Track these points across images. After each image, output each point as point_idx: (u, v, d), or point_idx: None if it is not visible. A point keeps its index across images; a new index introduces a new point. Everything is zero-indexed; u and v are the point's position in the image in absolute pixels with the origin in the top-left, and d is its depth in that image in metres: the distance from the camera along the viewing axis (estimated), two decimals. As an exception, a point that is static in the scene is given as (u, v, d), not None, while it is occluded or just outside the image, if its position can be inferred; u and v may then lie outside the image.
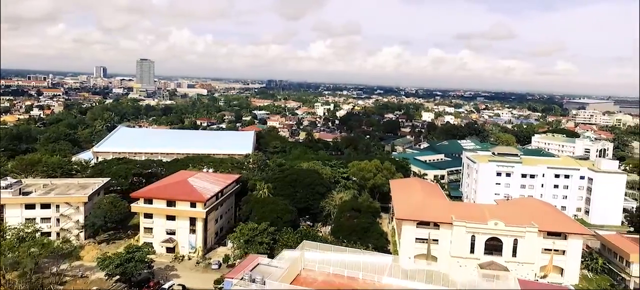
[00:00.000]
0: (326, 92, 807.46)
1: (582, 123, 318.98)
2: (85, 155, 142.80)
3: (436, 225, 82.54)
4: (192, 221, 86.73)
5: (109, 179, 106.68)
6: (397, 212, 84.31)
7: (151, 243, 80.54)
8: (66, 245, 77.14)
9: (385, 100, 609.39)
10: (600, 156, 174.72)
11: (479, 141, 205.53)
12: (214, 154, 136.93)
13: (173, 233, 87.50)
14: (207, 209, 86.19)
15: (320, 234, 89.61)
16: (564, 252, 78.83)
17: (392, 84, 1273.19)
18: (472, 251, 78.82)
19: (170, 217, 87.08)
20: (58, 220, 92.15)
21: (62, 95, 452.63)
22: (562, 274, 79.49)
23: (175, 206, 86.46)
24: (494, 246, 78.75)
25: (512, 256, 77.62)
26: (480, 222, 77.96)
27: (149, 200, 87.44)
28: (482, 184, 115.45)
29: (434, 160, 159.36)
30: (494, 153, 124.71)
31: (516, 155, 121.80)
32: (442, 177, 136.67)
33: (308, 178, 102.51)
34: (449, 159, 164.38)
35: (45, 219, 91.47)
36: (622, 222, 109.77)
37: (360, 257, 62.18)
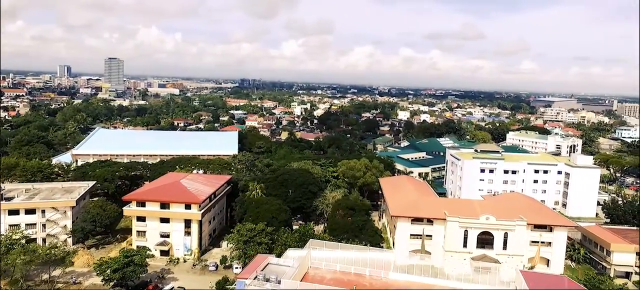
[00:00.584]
0: (300, 92, 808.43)
1: (550, 120, 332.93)
2: (63, 158, 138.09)
3: (429, 221, 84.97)
4: (187, 223, 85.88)
5: (95, 182, 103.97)
6: (392, 209, 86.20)
7: (144, 246, 78.89)
8: (57, 251, 74.91)
9: (361, 99, 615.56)
10: (570, 152, 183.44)
11: (457, 139, 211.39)
12: (199, 155, 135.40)
13: (167, 236, 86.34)
14: (203, 211, 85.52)
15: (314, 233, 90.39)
16: (549, 243, 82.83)
17: (364, 83, 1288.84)
18: (464, 245, 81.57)
19: (164, 220, 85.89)
20: (44, 226, 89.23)
21: (26, 96, 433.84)
22: (548, 264, 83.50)
23: (169, 208, 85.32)
24: (485, 240, 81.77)
25: (502, 249, 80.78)
26: (473, 217, 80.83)
27: (141, 203, 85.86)
28: (467, 180, 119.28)
29: (416, 158, 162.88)
30: (476, 150, 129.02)
31: (498, 152, 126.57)
32: (426, 174, 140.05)
33: (300, 178, 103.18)
34: (431, 157, 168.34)
35: (30, 225, 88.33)
36: (597, 214, 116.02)
37: (364, 254, 63.68)
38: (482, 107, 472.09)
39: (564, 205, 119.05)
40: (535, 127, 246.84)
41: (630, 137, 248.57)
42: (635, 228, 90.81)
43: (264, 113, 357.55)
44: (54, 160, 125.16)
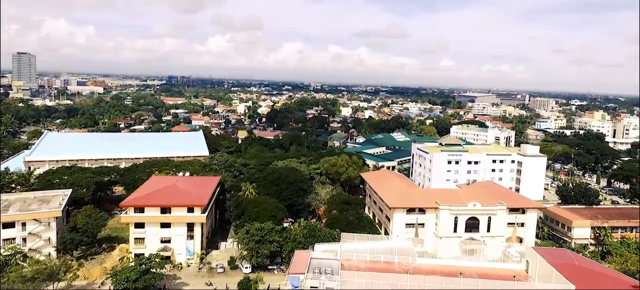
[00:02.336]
0: (234, 89, 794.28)
1: (479, 114, 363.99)
2: (9, 165, 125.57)
3: (421, 210, 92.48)
4: (189, 227, 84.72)
5: (71, 190, 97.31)
6: (389, 201, 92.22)
7: (157, 253, 76.84)
8: (60, 264, 70.40)
9: (298, 96, 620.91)
10: (506, 143, 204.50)
11: (407, 133, 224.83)
12: (171, 157, 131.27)
13: (168, 241, 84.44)
14: (206, 213, 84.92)
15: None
16: (522, 224, 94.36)
17: (295, 79, 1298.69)
18: (455, 230, 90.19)
19: (165, 225, 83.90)
20: (24, 240, 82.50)
21: None
22: (521, 242, 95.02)
23: (170, 213, 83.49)
24: (472, 224, 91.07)
25: (487, 231, 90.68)
26: (461, 205, 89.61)
27: (140, 209, 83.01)
28: (436, 172, 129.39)
29: (379, 152, 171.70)
30: (441, 144, 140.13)
31: (460, 144, 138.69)
32: (394, 167, 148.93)
33: (290, 176, 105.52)
34: (390, 151, 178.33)
35: (8, 240, 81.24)
36: (544, 197, 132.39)
37: (387, 244, 68.71)
38: (415, 103, 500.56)
39: (517, 190, 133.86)
40: (474, 121, 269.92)
41: (547, 128, 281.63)
42: (584, 206, 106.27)
43: (208, 112, 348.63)
44: (15, 168, 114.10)
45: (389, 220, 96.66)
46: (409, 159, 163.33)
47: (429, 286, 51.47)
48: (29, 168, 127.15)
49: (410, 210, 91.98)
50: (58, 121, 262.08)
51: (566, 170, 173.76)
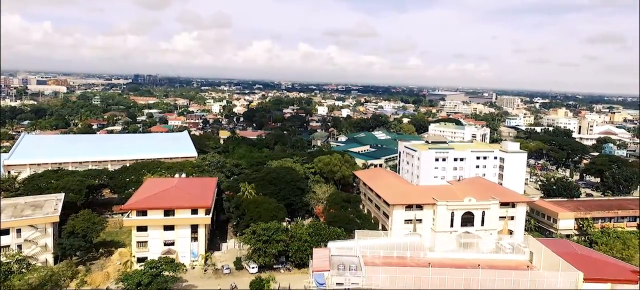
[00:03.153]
0: (204, 88, 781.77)
1: (451, 113, 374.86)
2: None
3: (418, 206, 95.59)
4: (193, 229, 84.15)
5: (63, 194, 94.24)
6: (389, 199, 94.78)
7: (166, 256, 75.93)
8: (67, 271, 68.66)
9: (271, 95, 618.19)
10: (482, 139, 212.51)
11: (388, 131, 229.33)
12: (159, 159, 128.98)
13: (172, 243, 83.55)
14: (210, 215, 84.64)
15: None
16: (512, 217, 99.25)
17: (264, 78, 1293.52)
18: (451, 225, 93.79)
19: (168, 228, 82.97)
20: (20, 247, 79.56)
21: None
22: (511, 234, 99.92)
23: (174, 215, 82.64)
24: (467, 219, 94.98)
25: (481, 225, 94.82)
26: (458, 200, 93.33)
27: (142, 212, 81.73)
28: (424, 169, 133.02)
29: (363, 151, 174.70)
30: (427, 142, 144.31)
31: (445, 142, 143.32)
32: (381, 165, 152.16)
33: (287, 175, 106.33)
34: (374, 149, 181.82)
35: (4, 248, 78.10)
36: (524, 191, 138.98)
37: (397, 240, 71.09)
38: (387, 101, 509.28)
39: (500, 184, 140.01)
40: (451, 119, 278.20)
41: (518, 125, 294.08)
42: (566, 200, 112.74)
43: (183, 112, 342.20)
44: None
45: (386, 216, 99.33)
46: (395, 157, 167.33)
47: (450, 278, 54.02)
48: (9, 172, 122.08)
49: (408, 207, 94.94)
50: (26, 122, 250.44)
51: (540, 165, 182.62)
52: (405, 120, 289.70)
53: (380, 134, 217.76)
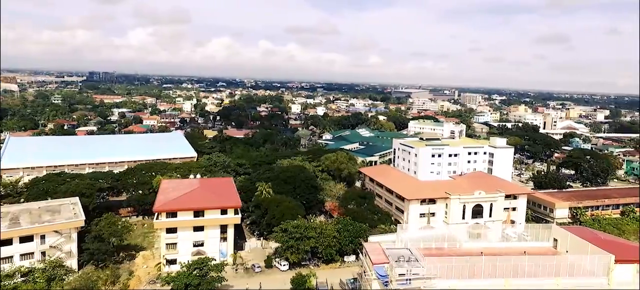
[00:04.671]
0: (166, 86, 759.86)
1: (422, 110, 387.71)
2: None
3: (431, 200, 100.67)
4: (222, 229, 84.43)
5: (77, 198, 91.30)
6: (404, 193, 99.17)
7: (207, 257, 75.78)
8: (111, 275, 67.46)
9: (238, 92, 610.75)
10: (459, 136, 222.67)
11: (371, 129, 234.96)
12: (161, 159, 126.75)
13: (201, 244, 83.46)
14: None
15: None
16: (514, 208, 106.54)
17: (224, 75, 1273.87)
18: (463, 217, 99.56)
19: (198, 228, 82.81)
20: (43, 253, 76.85)
21: None
22: (513, 224, 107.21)
23: (203, 216, 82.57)
24: (476, 211, 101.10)
25: (489, 217, 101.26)
26: (469, 194, 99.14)
27: (172, 214, 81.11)
28: (421, 165, 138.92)
29: (354, 148, 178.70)
30: (421, 139, 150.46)
31: (438, 139, 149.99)
32: (376, 162, 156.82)
33: (301, 174, 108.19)
34: (363, 147, 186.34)
35: (26, 255, 75.32)
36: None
37: (435, 231, 75.34)
38: (356, 99, 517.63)
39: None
40: (429, 116, 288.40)
41: (487, 122, 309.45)
42: (556, 191, 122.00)
43: (155, 111, 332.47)
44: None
45: (399, 211, 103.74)
46: (385, 154, 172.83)
47: (500, 265, 58.64)
48: (0, 177, 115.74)
49: (423, 201, 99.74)
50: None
51: (516, 159, 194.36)
52: (381, 117, 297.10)
53: (363, 132, 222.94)
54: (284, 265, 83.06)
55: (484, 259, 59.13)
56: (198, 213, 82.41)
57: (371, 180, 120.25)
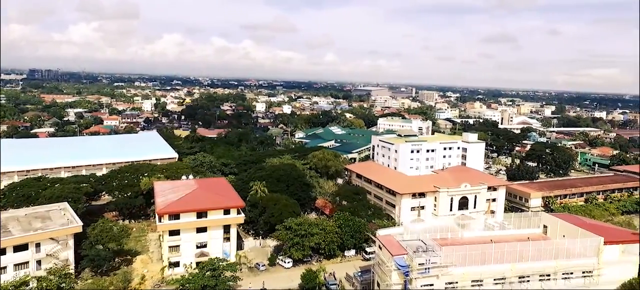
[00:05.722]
0: (117, 84, 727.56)
1: (385, 107, 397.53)
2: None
3: (421, 194, 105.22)
4: (225, 229, 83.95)
5: (66, 203, 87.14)
6: (396, 188, 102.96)
7: (219, 257, 75.04)
8: (122, 279, 65.48)
9: (196, 91, 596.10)
10: (427, 132, 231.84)
11: (342, 127, 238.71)
12: (142, 161, 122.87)
13: (204, 245, 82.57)
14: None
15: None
16: (494, 199, 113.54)
17: (176, 73, 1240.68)
18: (451, 209, 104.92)
19: (201, 230, 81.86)
20: (39, 262, 73.12)
21: None
22: (493, 214, 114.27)
23: (206, 217, 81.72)
24: (462, 203, 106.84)
25: (473, 208, 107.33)
26: (456, 187, 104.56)
27: (175, 216, 79.64)
28: (402, 161, 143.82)
29: (331, 145, 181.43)
30: (400, 135, 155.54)
31: (415, 135, 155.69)
32: (355, 159, 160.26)
33: (293, 172, 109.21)
34: (339, 144, 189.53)
35: (20, 265, 71.39)
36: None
37: (437, 223, 79.20)
38: (317, 97, 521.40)
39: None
40: (396, 113, 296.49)
41: (448, 118, 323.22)
42: (528, 182, 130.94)
43: (114, 111, 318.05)
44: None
45: (390, 205, 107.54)
46: (361, 150, 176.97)
47: (508, 251, 63.28)
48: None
49: (413, 195, 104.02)
50: None
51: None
52: (348, 115, 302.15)
53: (336, 129, 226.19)
54: (288, 262, 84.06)
55: (493, 247, 63.50)
56: (201, 214, 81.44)
57: (358, 176, 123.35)
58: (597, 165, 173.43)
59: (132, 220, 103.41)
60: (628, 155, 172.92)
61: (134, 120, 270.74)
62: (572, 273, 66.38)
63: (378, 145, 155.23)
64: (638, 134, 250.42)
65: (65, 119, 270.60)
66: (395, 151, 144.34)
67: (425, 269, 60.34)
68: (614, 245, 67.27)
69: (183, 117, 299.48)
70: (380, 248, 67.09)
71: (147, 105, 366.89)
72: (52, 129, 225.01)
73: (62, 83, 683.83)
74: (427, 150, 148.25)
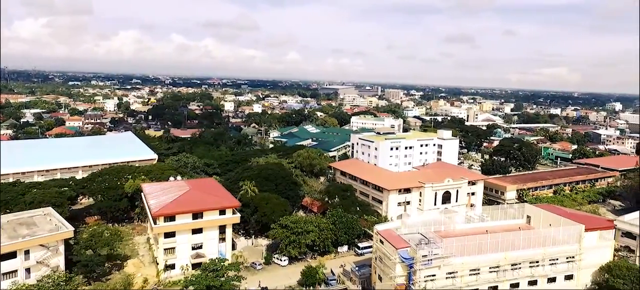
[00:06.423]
0: (73, 83, 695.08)
1: (354, 106, 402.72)
2: None
3: (407, 190, 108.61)
4: (220, 229, 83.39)
5: (50, 208, 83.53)
6: (384, 184, 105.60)
7: (220, 258, 74.37)
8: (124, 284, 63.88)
9: (159, 90, 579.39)
10: (399, 130, 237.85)
11: (316, 125, 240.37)
12: (121, 163, 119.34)
13: (200, 247, 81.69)
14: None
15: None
16: (473, 193, 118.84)
17: (133, 71, 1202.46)
18: (435, 204, 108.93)
19: (196, 231, 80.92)
20: (28, 270, 69.97)
21: None
22: (473, 207, 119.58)
23: (202, 217, 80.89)
24: (446, 197, 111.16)
25: (456, 202, 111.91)
26: (440, 182, 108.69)
27: (170, 218, 78.32)
28: (382, 158, 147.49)
29: (308, 144, 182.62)
30: (379, 133, 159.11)
31: (393, 133, 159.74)
32: (334, 157, 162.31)
33: (281, 171, 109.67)
34: (316, 143, 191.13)
35: (8, 274, 68.06)
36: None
37: (432, 216, 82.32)
38: (284, 95, 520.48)
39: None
40: (368, 111, 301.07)
41: (415, 115, 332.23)
42: (502, 176, 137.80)
43: (75, 111, 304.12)
44: None
45: (377, 201, 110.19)
46: (339, 148, 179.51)
47: (502, 240, 67.12)
48: None
49: (399, 191, 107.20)
50: None
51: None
52: (320, 114, 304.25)
53: (311, 128, 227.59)
54: (284, 260, 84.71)
55: (489, 237, 67.17)
56: (196, 215, 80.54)
57: (343, 174, 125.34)
58: (559, 159, 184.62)
59: (116, 224, 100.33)
60: (588, 149, 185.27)
61: (99, 121, 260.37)
62: (557, 259, 71.25)
63: (357, 143, 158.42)
64: (592, 129, 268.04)
65: (23, 120, 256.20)
66: (376, 149, 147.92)
67: (428, 260, 63.01)
68: (592, 231, 72.79)
69: (150, 117, 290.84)
70: (382, 242, 69.20)
71: (110, 105, 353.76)
72: (10, 131, 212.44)
73: (10, 82, 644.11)
74: (406, 147, 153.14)
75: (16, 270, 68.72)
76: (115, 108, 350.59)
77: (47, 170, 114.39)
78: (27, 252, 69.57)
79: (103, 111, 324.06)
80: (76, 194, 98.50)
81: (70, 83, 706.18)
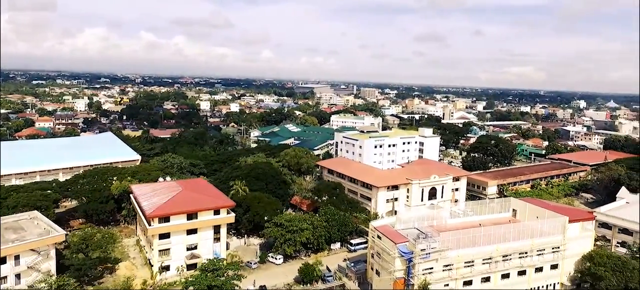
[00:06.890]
0: (36, 82, 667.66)
1: (332, 105, 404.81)
2: None
3: (395, 187, 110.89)
4: (215, 230, 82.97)
5: (36, 212, 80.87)
6: (373, 182, 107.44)
7: (218, 258, 73.92)
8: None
9: (130, 89, 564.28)
10: (379, 128, 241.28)
11: (296, 124, 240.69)
12: (108, 164, 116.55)
13: (194, 247, 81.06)
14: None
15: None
16: (457, 189, 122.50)
17: (99, 70, 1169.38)
18: (422, 200, 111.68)
19: (191, 231, 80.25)
20: (18, 276, 67.79)
21: None
22: (456, 202, 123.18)
23: (197, 218, 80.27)
24: (432, 193, 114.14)
25: (441, 198, 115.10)
26: (427, 178, 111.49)
27: (164, 219, 77.35)
28: (366, 156, 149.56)
29: (290, 143, 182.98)
30: (362, 131, 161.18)
31: (376, 131, 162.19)
32: (318, 155, 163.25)
33: (271, 170, 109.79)
34: (299, 142, 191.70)
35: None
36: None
37: (424, 212, 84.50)
38: (260, 94, 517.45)
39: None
40: (348, 110, 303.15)
41: (393, 114, 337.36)
42: (482, 172, 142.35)
43: (43, 111, 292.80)
44: None
45: (366, 198, 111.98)
46: (322, 146, 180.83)
47: (494, 233, 69.92)
48: None
49: (388, 188, 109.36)
50: None
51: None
52: (298, 112, 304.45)
53: (291, 127, 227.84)
54: (279, 259, 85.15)
55: (482, 230, 69.82)
56: (191, 216, 79.87)
57: (330, 172, 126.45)
58: (533, 155, 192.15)
59: (102, 226, 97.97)
60: (559, 145, 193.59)
61: (70, 121, 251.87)
62: (544, 250, 74.77)
63: (342, 142, 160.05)
64: (561, 125, 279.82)
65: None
66: (360, 147, 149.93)
67: (427, 254, 64.98)
68: (575, 223, 76.78)
69: (125, 117, 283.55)
70: (379, 237, 70.77)
71: (80, 105, 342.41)
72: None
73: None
74: (389, 145, 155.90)
75: (6, 277, 66.51)
76: (87, 108, 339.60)
77: (25, 173, 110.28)
78: (17, 257, 67.41)
79: (74, 111, 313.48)
80: (60, 196, 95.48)
81: (34, 82, 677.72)
